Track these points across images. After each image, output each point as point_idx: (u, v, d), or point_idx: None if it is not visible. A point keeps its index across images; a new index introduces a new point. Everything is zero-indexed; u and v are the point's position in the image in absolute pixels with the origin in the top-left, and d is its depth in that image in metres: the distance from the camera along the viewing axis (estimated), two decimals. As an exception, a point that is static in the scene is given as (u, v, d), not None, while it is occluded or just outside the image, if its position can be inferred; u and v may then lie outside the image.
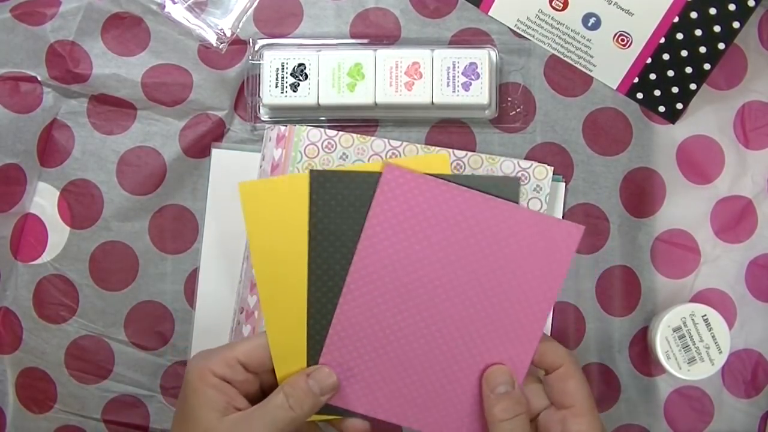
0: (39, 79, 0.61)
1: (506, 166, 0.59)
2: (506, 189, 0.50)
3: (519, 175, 0.59)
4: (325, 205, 0.50)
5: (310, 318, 0.51)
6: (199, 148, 0.62)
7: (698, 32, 0.59)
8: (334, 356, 0.51)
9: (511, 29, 0.62)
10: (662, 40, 0.60)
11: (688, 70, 0.60)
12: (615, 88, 0.62)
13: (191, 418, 0.48)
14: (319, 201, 0.50)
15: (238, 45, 0.62)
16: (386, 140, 0.58)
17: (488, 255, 0.50)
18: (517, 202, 0.51)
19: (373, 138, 0.59)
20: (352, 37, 0.62)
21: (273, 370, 0.51)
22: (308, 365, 0.52)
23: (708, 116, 0.62)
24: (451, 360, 0.51)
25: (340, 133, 0.59)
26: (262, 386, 0.52)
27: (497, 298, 0.50)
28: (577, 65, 0.62)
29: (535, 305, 0.50)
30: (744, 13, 0.58)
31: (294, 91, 0.60)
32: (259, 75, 0.60)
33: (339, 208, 0.50)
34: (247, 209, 0.50)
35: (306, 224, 0.50)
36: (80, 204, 0.62)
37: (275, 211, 0.50)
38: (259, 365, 0.50)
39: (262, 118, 0.61)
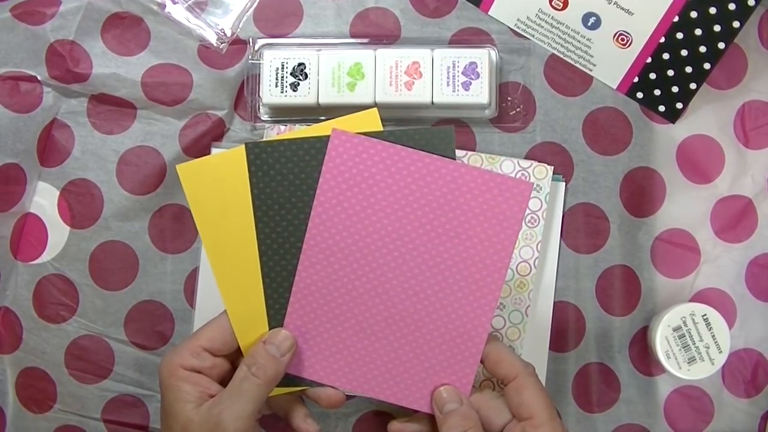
0: (39, 78, 0.61)
1: (506, 166, 0.59)
2: (441, 139, 0.49)
3: (519, 174, 0.59)
4: (264, 176, 0.50)
5: (266, 289, 0.51)
6: (199, 148, 0.62)
7: (698, 31, 0.59)
8: (296, 325, 0.51)
9: (511, 29, 0.62)
10: (662, 40, 0.60)
11: (688, 69, 0.60)
12: (615, 87, 0.62)
13: (170, 414, 0.48)
14: (258, 172, 0.50)
15: (238, 45, 0.62)
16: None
17: (440, 216, 0.49)
18: (453, 151, 0.49)
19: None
20: (352, 36, 0.62)
21: (239, 348, 0.51)
22: (270, 328, 0.52)
23: (708, 116, 0.62)
24: (410, 326, 0.51)
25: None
26: (234, 366, 0.52)
27: (452, 260, 0.50)
28: (577, 65, 0.62)
29: (490, 265, 0.49)
30: (744, 13, 0.58)
31: (294, 91, 0.60)
32: (259, 75, 0.60)
33: (279, 177, 0.50)
34: (190, 190, 0.50)
35: (249, 197, 0.51)
36: (80, 204, 0.62)
37: (218, 188, 0.50)
38: (224, 347, 0.51)
39: (262, 118, 0.62)
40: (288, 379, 0.51)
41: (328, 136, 0.50)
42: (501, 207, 0.49)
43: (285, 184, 0.50)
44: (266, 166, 0.50)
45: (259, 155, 0.50)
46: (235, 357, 0.52)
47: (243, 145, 0.50)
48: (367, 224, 0.50)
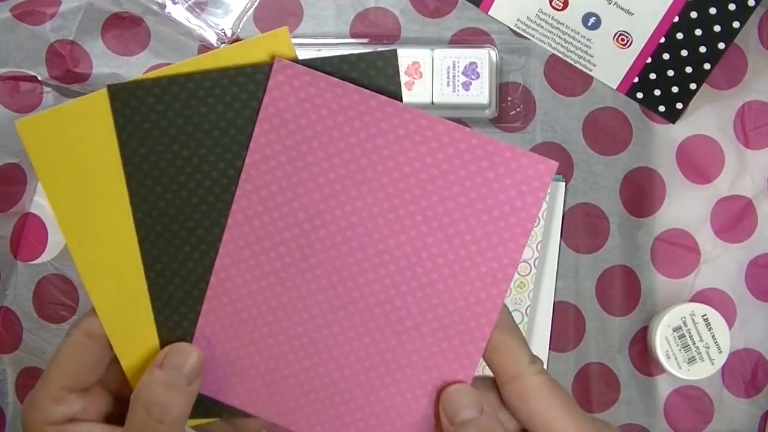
0: (39, 78, 0.61)
1: (506, 166, 0.59)
2: (381, 68, 0.36)
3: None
4: (137, 131, 0.36)
5: (151, 285, 0.37)
6: (199, 148, 0.62)
7: (698, 32, 0.59)
8: (213, 330, 0.37)
9: (511, 29, 0.62)
10: (662, 40, 0.60)
11: (688, 69, 0.60)
12: (615, 87, 0.62)
13: None
14: (128, 126, 0.36)
15: (238, 45, 0.62)
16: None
17: (428, 190, 0.35)
18: (399, 79, 0.36)
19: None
20: (352, 36, 0.62)
21: (115, 364, 0.37)
22: (162, 342, 0.37)
23: (708, 116, 0.62)
24: (372, 342, 0.36)
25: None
26: (114, 392, 0.38)
27: (442, 244, 0.36)
28: (577, 65, 0.62)
29: (489, 267, 0.35)
30: (744, 13, 0.58)
31: (294, 91, 0.60)
32: (259, 75, 0.60)
33: (157, 131, 0.36)
34: (35, 153, 0.37)
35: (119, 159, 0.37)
36: (80, 204, 0.62)
37: (75, 148, 0.36)
38: (92, 375, 0.36)
39: (262, 118, 0.61)
40: (203, 405, 0.37)
41: (227, 70, 0.35)
42: (508, 190, 0.35)
43: (166, 141, 0.36)
44: (138, 116, 0.36)
45: (128, 102, 0.36)
46: (112, 380, 0.38)
47: (105, 89, 0.36)
48: (320, 196, 0.36)
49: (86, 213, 0.37)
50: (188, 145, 0.36)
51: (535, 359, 0.36)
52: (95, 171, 0.36)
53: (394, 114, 0.35)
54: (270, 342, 0.37)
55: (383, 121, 0.35)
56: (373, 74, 0.35)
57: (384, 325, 0.36)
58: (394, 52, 0.36)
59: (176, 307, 0.37)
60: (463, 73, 0.59)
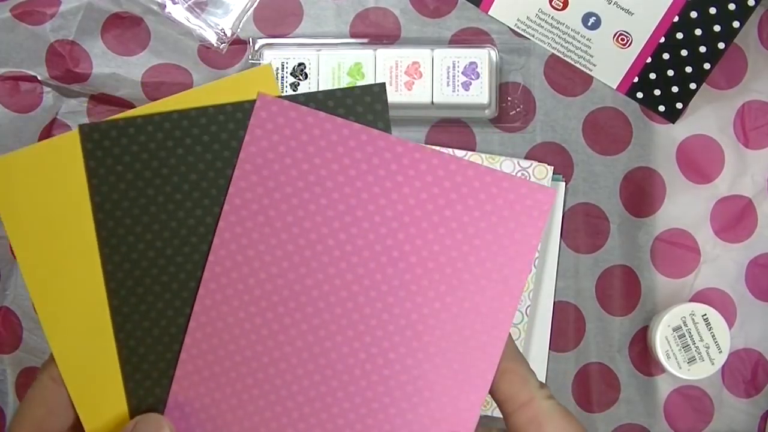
0: (39, 78, 0.61)
1: (506, 166, 0.60)
2: (368, 104, 0.34)
3: (519, 174, 0.59)
4: (108, 174, 0.33)
5: (121, 345, 0.34)
6: (199, 148, 0.62)
7: (698, 32, 0.59)
8: (188, 397, 0.33)
9: (511, 29, 0.62)
10: (662, 40, 0.60)
11: (688, 69, 0.60)
12: (615, 87, 0.62)
13: None
14: (99, 170, 0.33)
15: (239, 45, 0.62)
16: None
17: (420, 231, 0.33)
18: (387, 111, 0.34)
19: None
20: (352, 36, 0.62)
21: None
22: (131, 411, 0.34)
23: (708, 116, 0.62)
24: (363, 402, 0.33)
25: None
26: None
27: (432, 297, 0.33)
28: (577, 65, 0.62)
29: (489, 308, 0.33)
30: (744, 13, 0.58)
31: (294, 91, 0.60)
32: (259, 75, 0.60)
33: (130, 174, 0.33)
34: (1, 197, 0.34)
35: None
36: (80, 204, 0.62)
37: (42, 193, 0.34)
38: (61, 421, 0.34)
39: (262, 118, 0.61)
40: None
41: (206, 108, 0.33)
42: (508, 225, 0.33)
43: (140, 186, 0.33)
44: (111, 159, 0.33)
45: (100, 143, 0.33)
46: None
47: (77, 129, 0.34)
48: (305, 242, 0.33)
49: (53, 265, 0.34)
50: (163, 190, 0.33)
51: (542, 384, 0.35)
52: (64, 219, 0.34)
53: (385, 148, 0.33)
54: (250, 410, 0.33)
55: (375, 156, 0.33)
56: (361, 110, 0.34)
57: (377, 382, 0.33)
58: (383, 85, 0.34)
59: (148, 372, 0.34)
60: (463, 73, 0.59)
